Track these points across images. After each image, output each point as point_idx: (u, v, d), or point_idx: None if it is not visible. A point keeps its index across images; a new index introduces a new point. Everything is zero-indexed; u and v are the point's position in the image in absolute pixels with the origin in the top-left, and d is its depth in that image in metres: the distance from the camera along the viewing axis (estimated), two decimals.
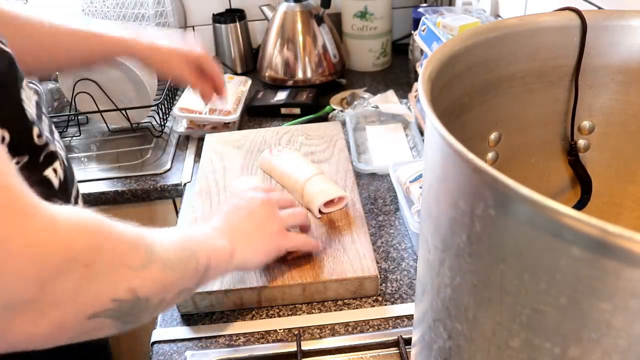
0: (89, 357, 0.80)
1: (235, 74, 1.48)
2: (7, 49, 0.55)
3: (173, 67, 0.89)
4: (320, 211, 0.84)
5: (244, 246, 0.65)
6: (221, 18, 1.47)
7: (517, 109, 0.49)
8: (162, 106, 1.21)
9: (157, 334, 0.72)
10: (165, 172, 1.11)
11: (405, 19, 1.54)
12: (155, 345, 0.71)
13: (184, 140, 1.22)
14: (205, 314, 0.74)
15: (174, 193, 1.09)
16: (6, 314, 0.39)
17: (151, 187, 1.08)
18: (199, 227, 0.68)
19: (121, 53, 0.88)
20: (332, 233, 0.81)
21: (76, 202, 0.71)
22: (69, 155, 1.18)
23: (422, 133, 1.08)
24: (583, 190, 0.53)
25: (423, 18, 1.07)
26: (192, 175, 1.09)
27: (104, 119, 1.21)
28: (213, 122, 1.19)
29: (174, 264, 0.52)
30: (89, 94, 1.17)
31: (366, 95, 1.30)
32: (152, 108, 1.21)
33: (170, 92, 1.29)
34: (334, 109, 1.25)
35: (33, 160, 0.58)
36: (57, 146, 0.65)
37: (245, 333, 0.71)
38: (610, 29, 0.46)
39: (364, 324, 0.71)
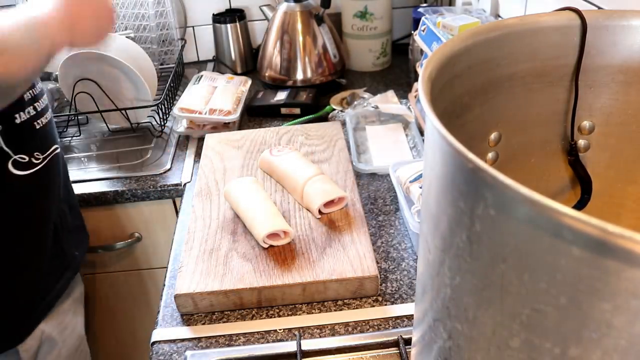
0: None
1: (235, 74, 1.48)
2: None
3: None
4: (320, 211, 0.84)
5: (81, 32, 0.69)
6: (221, 18, 1.47)
7: (517, 109, 0.49)
8: (162, 106, 1.21)
9: (157, 334, 0.72)
10: (165, 172, 1.11)
11: (405, 19, 1.54)
12: (155, 345, 0.71)
13: (184, 140, 1.22)
14: (205, 314, 0.74)
15: (174, 193, 1.09)
16: None
17: (151, 187, 1.08)
18: (40, 8, 0.67)
19: None
20: (332, 233, 0.81)
21: None
22: (69, 156, 1.19)
23: (422, 133, 1.08)
24: (583, 190, 0.53)
25: (423, 18, 1.07)
26: (192, 175, 1.09)
27: (104, 119, 1.21)
28: (213, 122, 1.19)
29: (21, 50, 0.61)
30: (89, 94, 1.17)
31: (366, 95, 1.30)
32: (152, 108, 1.21)
33: (170, 92, 1.29)
34: (334, 109, 1.25)
35: None
36: None
37: (245, 333, 0.71)
38: (611, 29, 0.46)
39: (364, 324, 0.71)
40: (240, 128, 1.23)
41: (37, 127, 0.83)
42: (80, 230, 0.99)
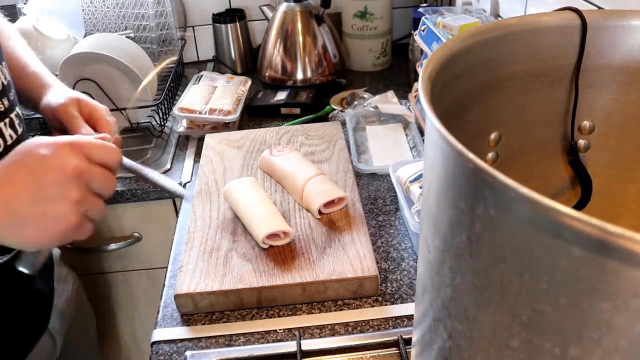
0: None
1: (235, 74, 1.48)
2: None
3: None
4: (320, 211, 0.84)
5: (11, 229, 0.53)
6: (221, 18, 1.47)
7: (517, 109, 0.49)
8: (162, 106, 1.21)
9: (157, 334, 0.72)
10: (165, 172, 1.11)
11: (405, 19, 1.54)
12: (155, 345, 0.71)
13: (184, 140, 1.22)
14: (205, 314, 0.74)
15: (174, 193, 1.09)
16: None
17: (151, 187, 1.08)
18: None
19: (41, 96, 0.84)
20: (332, 233, 0.81)
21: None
22: None
23: (422, 133, 1.08)
24: (583, 190, 0.53)
25: (423, 18, 1.07)
26: (192, 175, 1.09)
27: None
28: (213, 122, 1.19)
29: None
30: (89, 94, 1.17)
31: (366, 95, 1.30)
32: (152, 108, 1.21)
33: (170, 92, 1.29)
34: (334, 109, 1.25)
35: None
36: None
37: (245, 333, 0.71)
38: (611, 29, 0.46)
39: (364, 324, 0.71)
40: (240, 128, 1.23)
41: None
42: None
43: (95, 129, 0.81)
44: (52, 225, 0.54)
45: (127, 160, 0.78)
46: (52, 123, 0.83)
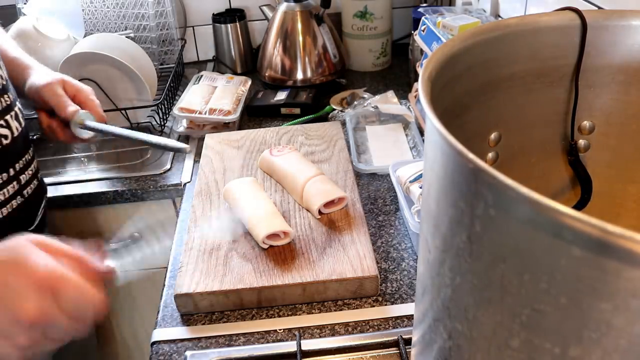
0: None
1: (235, 74, 1.48)
2: None
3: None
4: (320, 211, 0.84)
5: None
6: (221, 18, 1.47)
7: (517, 109, 0.49)
8: (162, 106, 1.21)
9: (157, 334, 0.72)
10: (165, 172, 1.11)
11: (405, 19, 1.54)
12: (155, 345, 0.71)
13: (184, 140, 1.22)
14: (205, 314, 0.74)
15: (174, 193, 1.09)
16: None
17: (151, 187, 1.08)
18: None
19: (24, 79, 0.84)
20: (332, 233, 0.81)
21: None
22: (69, 155, 1.19)
23: (422, 133, 1.08)
24: (583, 190, 0.53)
25: (423, 18, 1.07)
26: (192, 175, 1.09)
27: None
28: (213, 122, 1.19)
29: None
30: None
31: (366, 95, 1.30)
32: (152, 108, 1.21)
33: (170, 92, 1.29)
34: (334, 109, 1.25)
35: None
36: None
37: (245, 333, 0.71)
38: (611, 29, 0.46)
39: (364, 324, 0.71)
40: (240, 128, 1.23)
41: None
42: None
43: (81, 107, 0.82)
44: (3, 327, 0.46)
45: (120, 129, 0.77)
46: (37, 104, 0.84)
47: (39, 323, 0.46)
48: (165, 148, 0.82)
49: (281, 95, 1.30)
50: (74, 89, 0.84)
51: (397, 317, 0.72)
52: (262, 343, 0.69)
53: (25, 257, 0.47)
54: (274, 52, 1.37)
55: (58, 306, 0.47)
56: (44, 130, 0.87)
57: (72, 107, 0.82)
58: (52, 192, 1.04)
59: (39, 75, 0.84)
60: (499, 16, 1.18)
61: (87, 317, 0.50)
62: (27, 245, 0.49)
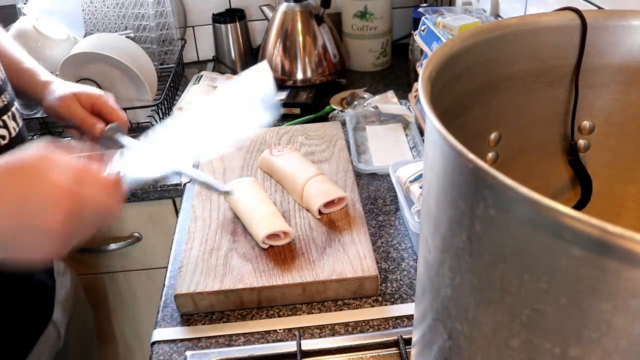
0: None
1: (235, 74, 1.48)
2: None
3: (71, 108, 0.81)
4: (320, 211, 0.84)
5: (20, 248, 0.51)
6: (221, 18, 1.47)
7: (517, 109, 0.49)
8: (162, 106, 1.21)
9: (157, 334, 0.72)
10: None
11: (405, 19, 1.54)
12: (155, 345, 0.71)
13: None
14: (205, 314, 0.74)
15: (174, 193, 1.09)
16: None
17: (151, 187, 1.08)
18: None
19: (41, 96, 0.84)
20: (332, 233, 0.81)
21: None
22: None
23: (422, 133, 1.08)
24: (583, 190, 0.53)
25: (423, 18, 1.07)
26: None
27: None
28: None
29: None
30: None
31: (366, 95, 1.30)
32: (152, 108, 1.21)
33: (170, 92, 1.29)
34: (334, 109, 1.25)
35: None
36: None
37: (245, 333, 0.71)
38: (611, 29, 0.46)
39: (364, 324, 0.71)
40: None
41: None
42: None
43: (103, 118, 0.81)
44: (42, 238, 0.50)
45: (177, 168, 0.77)
46: (60, 122, 0.84)
47: (61, 235, 0.51)
48: (209, 187, 0.82)
49: (281, 95, 1.30)
50: (89, 101, 0.83)
51: (397, 317, 0.72)
52: (262, 343, 0.69)
53: (45, 172, 0.51)
54: (274, 52, 1.37)
55: (79, 219, 0.51)
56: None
57: (97, 126, 0.81)
58: None
59: (52, 94, 0.83)
60: (499, 16, 1.18)
61: (106, 222, 0.56)
62: (45, 160, 0.52)
